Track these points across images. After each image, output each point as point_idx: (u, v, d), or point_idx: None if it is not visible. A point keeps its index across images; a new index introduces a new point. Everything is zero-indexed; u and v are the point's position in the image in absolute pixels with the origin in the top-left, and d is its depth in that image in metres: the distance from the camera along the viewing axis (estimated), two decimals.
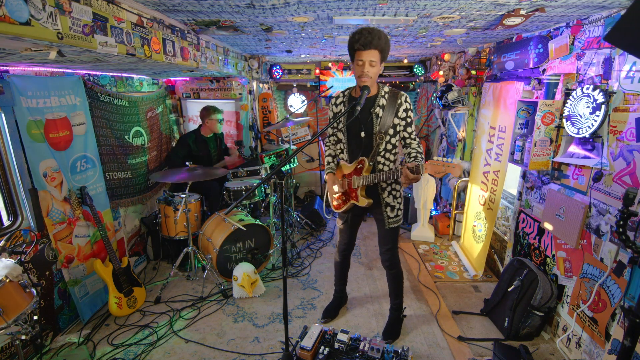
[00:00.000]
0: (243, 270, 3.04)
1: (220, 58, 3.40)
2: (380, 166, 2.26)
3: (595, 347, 2.11)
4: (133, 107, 3.37)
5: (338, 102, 2.35)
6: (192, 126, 4.62)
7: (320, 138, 5.24)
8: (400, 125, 2.22)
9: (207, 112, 3.82)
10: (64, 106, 2.55)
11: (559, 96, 2.41)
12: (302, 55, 4.39)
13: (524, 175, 2.90)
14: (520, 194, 2.95)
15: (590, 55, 2.18)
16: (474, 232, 3.59)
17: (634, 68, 1.87)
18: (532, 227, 2.78)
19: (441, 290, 3.18)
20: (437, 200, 4.99)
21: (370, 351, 2.21)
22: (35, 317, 1.91)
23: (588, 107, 2.07)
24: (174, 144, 4.34)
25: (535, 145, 2.40)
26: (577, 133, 2.14)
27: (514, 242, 3.03)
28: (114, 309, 2.74)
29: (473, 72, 3.74)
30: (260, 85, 5.15)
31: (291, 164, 4.13)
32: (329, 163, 2.50)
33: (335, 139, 2.42)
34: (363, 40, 1.97)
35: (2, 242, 2.12)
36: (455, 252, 3.89)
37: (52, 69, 2.51)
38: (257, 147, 4.99)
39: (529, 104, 2.56)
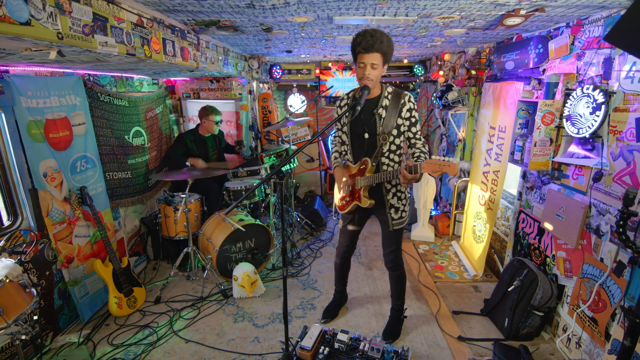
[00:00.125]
0: (243, 270, 3.04)
1: (220, 58, 3.40)
2: (385, 167, 2.25)
3: (595, 347, 2.11)
4: (133, 107, 3.38)
5: (342, 104, 2.36)
6: (192, 126, 4.62)
7: (320, 138, 5.24)
8: (404, 126, 2.21)
9: (205, 112, 3.82)
10: (64, 106, 2.55)
11: (559, 96, 2.41)
12: (302, 55, 4.39)
13: (524, 175, 2.90)
14: (520, 194, 2.95)
15: (590, 55, 2.18)
16: (474, 232, 3.59)
17: (634, 68, 1.87)
18: (532, 227, 2.78)
19: (441, 290, 3.18)
20: (437, 200, 4.99)
21: (370, 351, 2.21)
22: (35, 317, 1.91)
23: (588, 107, 2.07)
24: None
25: (535, 145, 2.40)
26: (577, 133, 2.14)
27: (514, 242, 3.03)
28: (114, 309, 2.74)
29: (473, 72, 3.74)
30: (260, 85, 5.15)
31: (291, 164, 4.13)
32: (335, 159, 2.52)
33: (341, 140, 2.44)
34: (365, 43, 1.97)
35: (2, 242, 2.12)
36: (455, 252, 3.89)
37: (52, 69, 2.51)
38: (257, 147, 4.99)
39: (529, 104, 2.56)
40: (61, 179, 2.56)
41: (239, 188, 3.46)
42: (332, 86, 5.05)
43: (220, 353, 2.44)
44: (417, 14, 2.25)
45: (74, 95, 2.63)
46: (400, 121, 2.19)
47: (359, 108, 1.99)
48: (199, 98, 4.61)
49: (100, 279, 2.83)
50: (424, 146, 2.20)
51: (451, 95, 3.75)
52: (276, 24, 2.56)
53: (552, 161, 2.43)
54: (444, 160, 1.86)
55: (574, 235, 2.26)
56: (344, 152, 2.43)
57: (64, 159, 2.58)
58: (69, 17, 1.51)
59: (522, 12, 2.15)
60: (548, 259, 2.57)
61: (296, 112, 5.64)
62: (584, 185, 2.23)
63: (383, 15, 2.30)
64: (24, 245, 2.29)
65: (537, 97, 2.67)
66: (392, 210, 2.34)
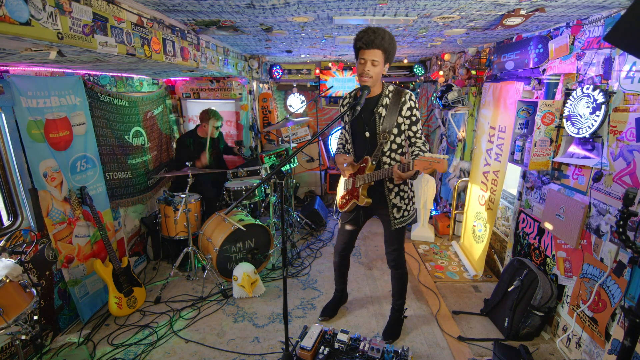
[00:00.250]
0: (243, 270, 3.04)
1: (220, 58, 3.40)
2: (386, 166, 2.24)
3: (595, 347, 2.11)
4: (133, 107, 3.38)
5: (345, 102, 2.38)
6: (192, 126, 4.61)
7: (320, 138, 5.24)
8: (404, 124, 2.19)
9: (207, 116, 3.78)
10: (64, 106, 2.55)
11: (559, 96, 2.41)
12: (302, 55, 4.39)
13: (524, 175, 2.90)
14: (520, 194, 2.95)
15: (590, 55, 2.18)
16: (474, 232, 3.59)
17: (634, 68, 1.87)
18: (532, 227, 2.78)
19: (441, 290, 3.18)
20: (437, 200, 4.99)
21: (370, 351, 2.21)
22: (35, 317, 1.91)
23: (588, 107, 2.07)
24: (174, 144, 4.34)
25: (535, 145, 2.40)
26: (577, 133, 2.14)
27: (514, 242, 3.03)
28: (114, 309, 2.74)
29: (473, 72, 3.74)
30: (260, 85, 5.15)
31: (291, 164, 4.13)
32: (338, 149, 2.56)
33: (345, 138, 2.46)
34: (366, 38, 1.98)
35: (2, 242, 2.13)
36: (455, 252, 3.89)
37: (52, 69, 2.51)
38: (257, 147, 4.99)
39: (529, 104, 2.56)
40: (61, 179, 2.56)
41: (239, 188, 3.46)
42: (332, 86, 5.05)
43: (220, 353, 2.44)
44: (417, 14, 2.25)
45: (74, 95, 2.63)
46: (400, 120, 2.18)
47: (358, 108, 1.99)
48: (199, 98, 4.61)
49: (100, 279, 2.83)
50: (424, 145, 2.19)
51: (451, 95, 3.75)
52: (276, 24, 2.56)
53: (552, 161, 2.43)
54: (432, 156, 1.80)
55: (574, 235, 2.26)
56: (347, 151, 2.46)
57: (64, 159, 2.58)
58: (69, 17, 1.51)
59: (522, 12, 2.15)
60: (548, 259, 2.57)
61: (296, 112, 5.64)
62: (584, 185, 2.23)
63: (383, 15, 2.30)
64: (24, 245, 2.29)
65: (537, 97, 2.67)
66: (395, 210, 2.33)
